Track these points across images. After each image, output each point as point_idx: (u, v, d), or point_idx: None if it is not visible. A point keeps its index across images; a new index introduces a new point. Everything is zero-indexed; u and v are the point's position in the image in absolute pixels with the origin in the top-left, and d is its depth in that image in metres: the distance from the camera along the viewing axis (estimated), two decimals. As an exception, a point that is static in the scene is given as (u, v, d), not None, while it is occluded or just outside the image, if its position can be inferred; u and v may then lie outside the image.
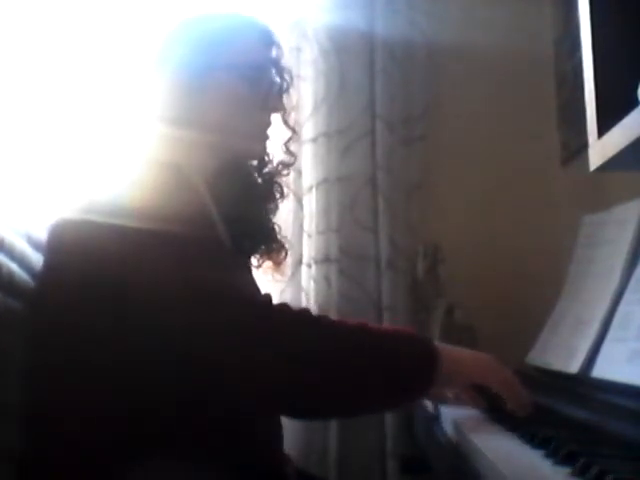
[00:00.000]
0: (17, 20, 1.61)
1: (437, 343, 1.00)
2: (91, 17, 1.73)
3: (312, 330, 0.96)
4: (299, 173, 1.82)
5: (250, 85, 1.16)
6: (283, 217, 1.37)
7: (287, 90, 1.25)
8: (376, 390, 0.96)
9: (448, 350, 0.99)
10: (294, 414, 1.11)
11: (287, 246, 1.34)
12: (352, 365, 0.94)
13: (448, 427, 1.01)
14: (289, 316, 0.98)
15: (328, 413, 1.13)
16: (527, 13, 1.91)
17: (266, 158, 1.29)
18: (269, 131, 1.22)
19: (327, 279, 1.77)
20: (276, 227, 1.32)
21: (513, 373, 1.01)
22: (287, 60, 1.28)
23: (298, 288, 1.81)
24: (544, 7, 1.93)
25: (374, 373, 0.94)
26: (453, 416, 1.01)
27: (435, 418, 1.01)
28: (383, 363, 0.95)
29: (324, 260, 1.78)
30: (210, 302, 0.94)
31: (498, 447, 0.79)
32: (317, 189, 1.80)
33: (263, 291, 1.25)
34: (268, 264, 1.32)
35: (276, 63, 1.22)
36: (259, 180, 1.29)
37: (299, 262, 1.81)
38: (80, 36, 1.72)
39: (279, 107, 1.23)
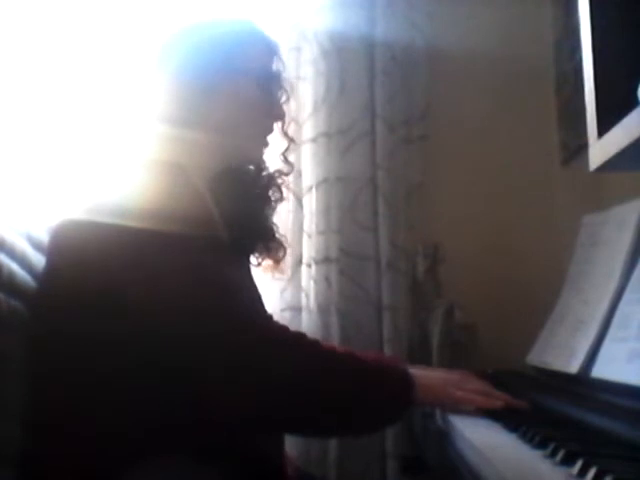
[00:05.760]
0: (29, 21, 1.61)
1: (412, 371, 1.04)
2: (99, 19, 1.73)
3: (304, 359, 0.99)
4: (299, 173, 1.82)
5: (262, 92, 1.19)
6: (283, 217, 1.37)
7: (287, 101, 1.27)
8: (357, 414, 1.00)
9: (422, 377, 1.04)
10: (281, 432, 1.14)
11: (286, 244, 1.35)
12: (335, 392, 0.98)
13: (448, 428, 1.01)
14: (283, 341, 1.00)
15: (310, 434, 1.25)
16: (527, 14, 1.91)
17: (263, 165, 1.31)
18: (269, 138, 1.24)
19: (327, 279, 1.77)
20: (274, 226, 1.33)
21: (484, 382, 1.08)
22: (286, 65, 1.31)
23: (298, 288, 1.81)
24: (544, 7, 1.93)
25: (356, 400, 0.98)
26: (453, 417, 1.01)
27: (442, 427, 1.02)
28: (365, 392, 0.99)
29: (324, 260, 1.78)
30: (210, 317, 0.96)
31: (498, 447, 0.79)
32: (317, 189, 1.80)
33: (263, 295, 1.27)
34: (267, 262, 1.33)
35: (279, 73, 1.24)
36: (257, 184, 1.30)
37: (299, 262, 1.81)
38: (85, 37, 1.72)
39: (282, 116, 1.25)
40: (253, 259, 1.32)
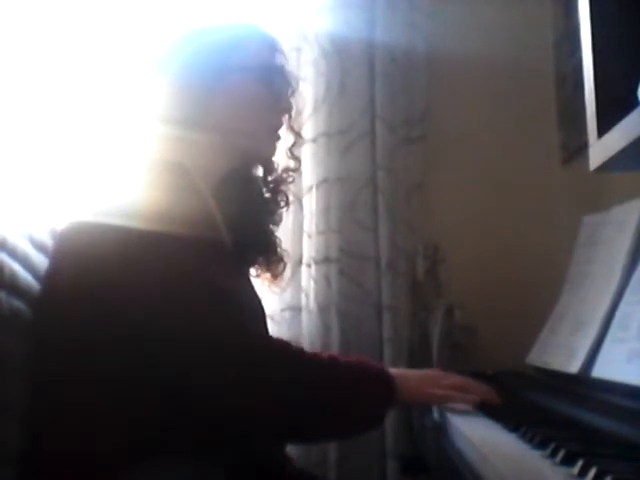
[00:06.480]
0: (32, 24, 1.61)
1: (392, 372, 1.07)
2: (101, 20, 1.73)
3: (293, 366, 1.01)
4: (299, 173, 1.82)
5: (263, 86, 1.18)
6: (283, 217, 1.37)
7: (293, 94, 1.26)
8: (340, 418, 1.03)
9: (401, 378, 1.06)
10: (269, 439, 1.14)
11: (286, 260, 1.34)
12: (320, 398, 1.01)
13: (446, 426, 1.01)
14: (278, 350, 1.03)
15: (295, 440, 1.28)
16: (527, 14, 1.91)
17: (271, 167, 1.29)
18: (279, 133, 1.23)
19: (327, 279, 1.77)
20: (277, 240, 1.32)
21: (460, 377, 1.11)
22: (289, 63, 1.29)
23: (298, 288, 1.81)
24: (544, 8, 1.93)
25: (339, 405, 1.01)
26: (453, 417, 1.01)
27: (440, 425, 1.03)
28: (347, 396, 1.02)
29: (324, 260, 1.78)
30: (210, 322, 0.97)
31: (498, 447, 0.79)
32: (317, 189, 1.80)
33: (263, 297, 1.27)
34: (266, 275, 1.32)
35: (283, 67, 1.23)
36: (264, 189, 1.30)
37: (299, 262, 1.81)
38: (88, 38, 1.72)
39: (289, 108, 1.24)
40: (252, 270, 1.32)
